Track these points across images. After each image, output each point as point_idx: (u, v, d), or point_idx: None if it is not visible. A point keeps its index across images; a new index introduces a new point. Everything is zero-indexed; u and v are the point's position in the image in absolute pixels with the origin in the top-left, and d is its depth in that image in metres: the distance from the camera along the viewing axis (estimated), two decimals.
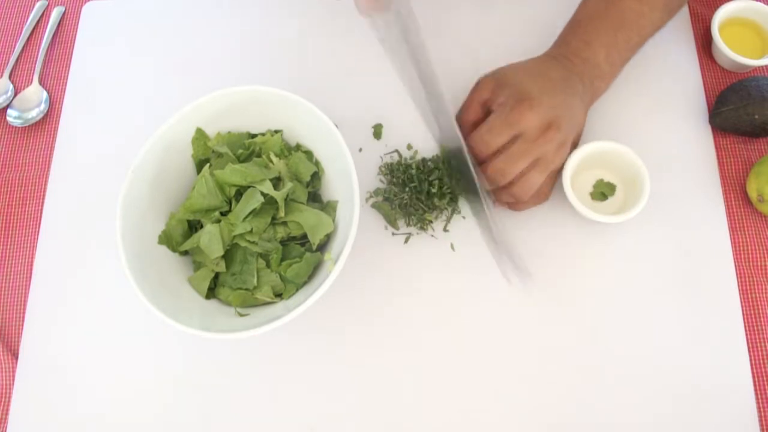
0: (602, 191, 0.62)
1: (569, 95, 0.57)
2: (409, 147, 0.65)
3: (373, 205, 0.62)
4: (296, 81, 0.68)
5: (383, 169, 0.63)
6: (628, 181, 0.61)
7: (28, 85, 0.71)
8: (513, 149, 0.54)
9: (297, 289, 0.55)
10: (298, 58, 0.70)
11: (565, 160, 0.58)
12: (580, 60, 0.59)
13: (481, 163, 0.56)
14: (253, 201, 0.54)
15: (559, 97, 0.56)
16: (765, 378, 0.56)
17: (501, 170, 0.55)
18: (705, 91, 0.67)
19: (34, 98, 0.70)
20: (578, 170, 0.61)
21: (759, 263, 0.60)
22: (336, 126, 0.56)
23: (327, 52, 0.70)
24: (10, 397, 0.58)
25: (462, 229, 0.62)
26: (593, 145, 0.60)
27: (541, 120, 0.54)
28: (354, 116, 0.66)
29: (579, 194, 0.61)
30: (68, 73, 0.72)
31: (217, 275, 0.56)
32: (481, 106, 0.59)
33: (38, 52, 0.73)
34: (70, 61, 0.72)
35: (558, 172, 0.59)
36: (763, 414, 0.55)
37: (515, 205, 0.60)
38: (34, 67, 0.72)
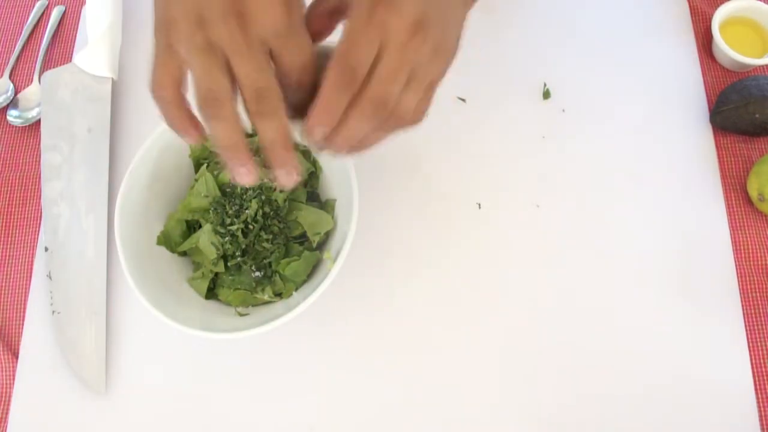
0: None
1: None
2: None
3: None
4: None
5: None
6: None
7: (28, 85, 0.71)
8: (382, 67, 0.39)
9: (296, 288, 0.55)
10: None
11: (444, 72, 0.43)
12: None
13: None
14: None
15: None
16: (765, 377, 0.56)
17: (381, 99, 0.39)
18: (705, 90, 0.67)
19: (34, 98, 0.70)
20: None
21: (759, 262, 0.60)
22: None
23: None
24: (10, 397, 0.58)
25: (463, 226, 0.62)
26: None
27: (406, 20, 0.39)
28: None
29: None
30: None
31: (216, 275, 0.56)
32: (329, 14, 0.44)
33: (38, 51, 0.73)
34: (70, 60, 0.72)
35: (434, 87, 0.43)
36: (763, 413, 0.55)
37: (374, 135, 0.43)
38: (34, 66, 0.72)
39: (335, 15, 0.44)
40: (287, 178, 0.41)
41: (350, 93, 0.39)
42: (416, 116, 0.43)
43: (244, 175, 0.41)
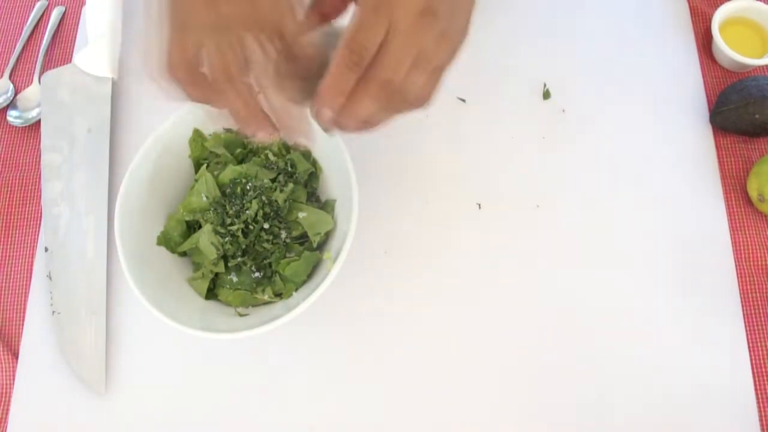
0: None
1: None
2: None
3: None
4: None
5: None
6: None
7: (28, 85, 0.71)
8: (389, 50, 0.41)
9: (296, 288, 0.55)
10: None
11: (451, 57, 0.43)
12: None
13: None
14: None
15: None
16: (765, 377, 0.56)
17: (386, 79, 0.41)
18: (705, 90, 0.67)
19: (34, 98, 0.70)
20: None
21: (759, 263, 0.60)
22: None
23: None
24: (10, 397, 0.58)
25: (463, 226, 0.62)
26: None
27: (414, 5, 0.40)
28: None
29: None
30: None
31: (216, 275, 0.56)
32: None
33: (38, 52, 0.73)
34: (70, 61, 0.72)
35: (441, 71, 0.44)
36: (763, 413, 0.55)
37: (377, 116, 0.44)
38: (34, 67, 0.72)
39: None
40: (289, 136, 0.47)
41: (357, 73, 0.41)
42: (421, 98, 0.44)
43: (267, 137, 0.45)
